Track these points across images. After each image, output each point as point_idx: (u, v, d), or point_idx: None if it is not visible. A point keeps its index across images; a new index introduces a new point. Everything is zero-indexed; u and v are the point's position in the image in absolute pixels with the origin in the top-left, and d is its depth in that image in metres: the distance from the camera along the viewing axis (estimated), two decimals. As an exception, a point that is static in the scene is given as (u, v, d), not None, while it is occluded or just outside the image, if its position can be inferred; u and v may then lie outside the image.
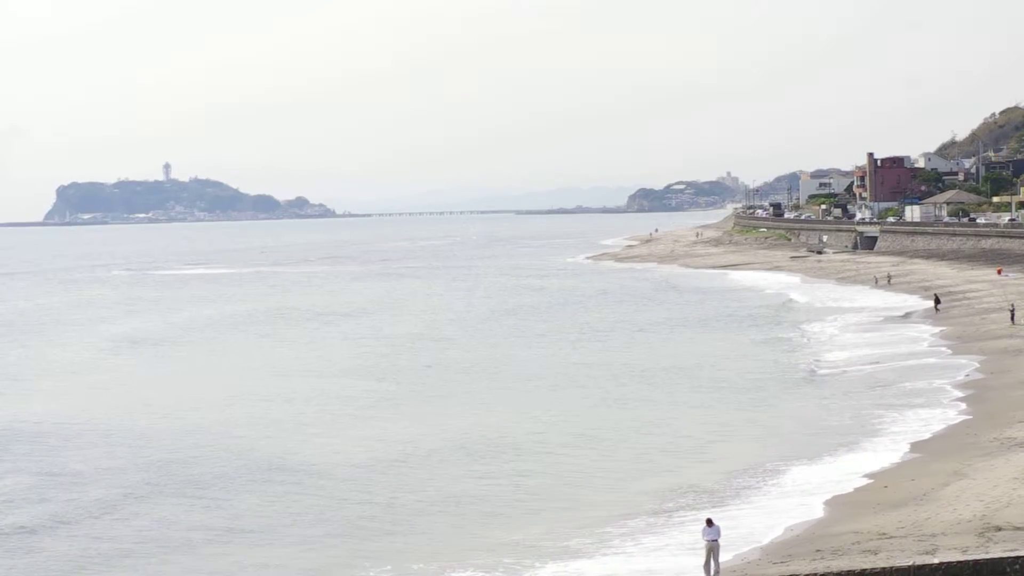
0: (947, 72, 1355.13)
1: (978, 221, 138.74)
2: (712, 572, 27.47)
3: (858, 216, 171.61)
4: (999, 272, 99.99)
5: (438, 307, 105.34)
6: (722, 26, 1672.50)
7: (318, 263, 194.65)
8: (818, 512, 33.34)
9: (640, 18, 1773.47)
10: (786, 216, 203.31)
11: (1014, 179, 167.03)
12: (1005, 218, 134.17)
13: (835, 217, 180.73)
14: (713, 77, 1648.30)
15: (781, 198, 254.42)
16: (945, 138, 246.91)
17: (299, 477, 40.49)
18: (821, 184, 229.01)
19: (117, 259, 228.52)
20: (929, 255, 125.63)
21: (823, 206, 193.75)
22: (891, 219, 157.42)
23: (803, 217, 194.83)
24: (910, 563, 25.28)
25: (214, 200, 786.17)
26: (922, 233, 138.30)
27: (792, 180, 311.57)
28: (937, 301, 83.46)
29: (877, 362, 61.69)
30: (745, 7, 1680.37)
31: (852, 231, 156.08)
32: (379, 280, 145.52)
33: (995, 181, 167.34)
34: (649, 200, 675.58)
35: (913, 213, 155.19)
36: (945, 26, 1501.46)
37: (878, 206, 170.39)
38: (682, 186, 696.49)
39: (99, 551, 32.74)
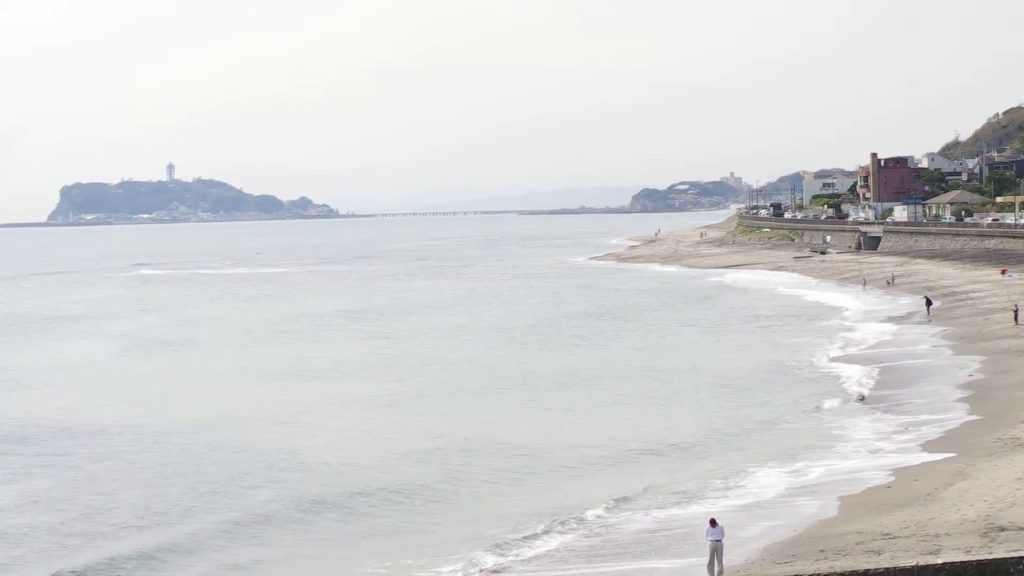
0: (947, 72, 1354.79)
1: (965, 220, 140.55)
2: (716, 572, 27.47)
3: (852, 216, 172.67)
4: (1003, 272, 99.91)
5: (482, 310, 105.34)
6: (722, 26, 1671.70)
7: (359, 262, 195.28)
8: (822, 512, 33.35)
9: (641, 18, 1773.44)
10: (786, 216, 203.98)
11: (1018, 179, 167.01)
12: (988, 219, 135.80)
13: (827, 217, 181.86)
14: (714, 77, 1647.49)
15: (785, 198, 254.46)
16: (948, 138, 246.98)
17: (309, 474, 40.63)
18: (825, 184, 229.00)
19: (143, 258, 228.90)
20: (932, 255, 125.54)
21: (823, 206, 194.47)
22: (884, 218, 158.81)
23: (799, 217, 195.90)
24: (914, 563, 25.28)
25: (217, 201, 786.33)
26: (925, 233, 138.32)
27: (795, 180, 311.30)
28: (928, 303, 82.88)
29: (880, 362, 61.68)
30: (745, 7, 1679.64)
31: (855, 231, 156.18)
32: (434, 279, 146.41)
33: (999, 181, 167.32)
34: (652, 200, 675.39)
35: (902, 213, 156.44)
36: (945, 26, 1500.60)
37: (881, 206, 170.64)
38: (685, 186, 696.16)
39: (110, 550, 32.82)
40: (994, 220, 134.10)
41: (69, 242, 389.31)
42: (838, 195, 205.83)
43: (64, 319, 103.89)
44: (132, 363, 73.28)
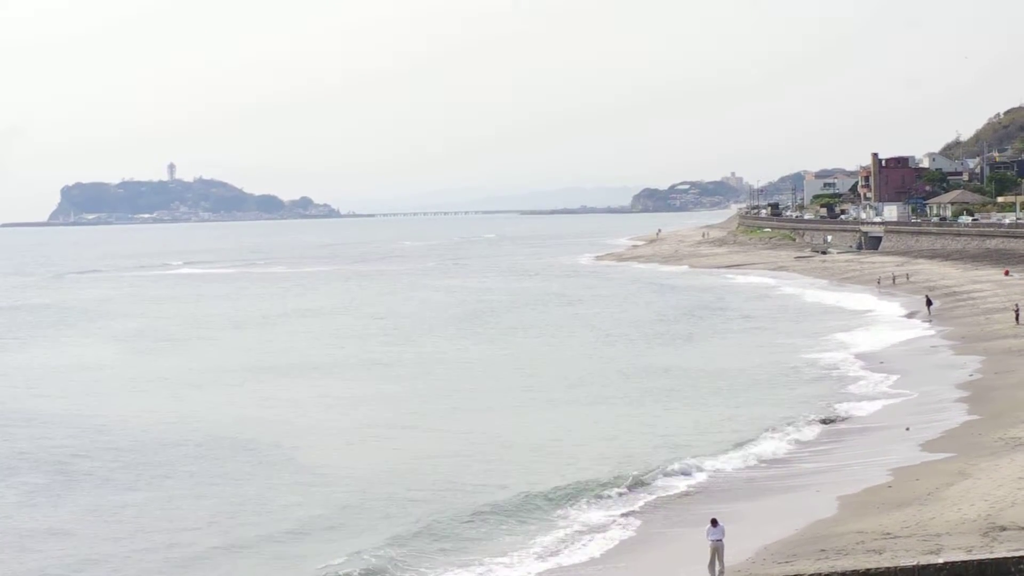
0: (947, 72, 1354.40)
1: (948, 220, 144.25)
2: (717, 572, 27.49)
3: (852, 215, 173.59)
4: (1006, 273, 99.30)
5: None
6: (722, 25, 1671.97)
7: (384, 262, 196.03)
8: (822, 512, 33.34)
9: (640, 18, 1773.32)
10: (784, 216, 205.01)
11: (1018, 179, 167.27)
12: (968, 219, 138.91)
13: (820, 217, 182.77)
14: (714, 77, 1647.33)
15: (786, 198, 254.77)
16: (949, 138, 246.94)
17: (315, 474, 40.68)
18: (826, 184, 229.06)
19: (172, 257, 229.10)
20: (933, 255, 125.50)
21: (818, 206, 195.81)
22: (876, 218, 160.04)
23: (794, 217, 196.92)
24: (914, 563, 25.33)
25: (218, 200, 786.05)
26: (926, 233, 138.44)
27: (797, 180, 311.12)
28: (929, 303, 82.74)
29: (882, 362, 61.71)
30: (745, 7, 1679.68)
31: (856, 231, 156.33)
32: (451, 278, 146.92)
33: (999, 181, 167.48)
34: (653, 200, 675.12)
35: (891, 213, 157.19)
36: (945, 26, 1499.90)
37: (883, 206, 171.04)
38: (686, 186, 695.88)
39: (117, 551, 32.81)
40: (974, 220, 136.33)
41: (81, 241, 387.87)
42: (839, 195, 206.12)
43: (149, 316, 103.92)
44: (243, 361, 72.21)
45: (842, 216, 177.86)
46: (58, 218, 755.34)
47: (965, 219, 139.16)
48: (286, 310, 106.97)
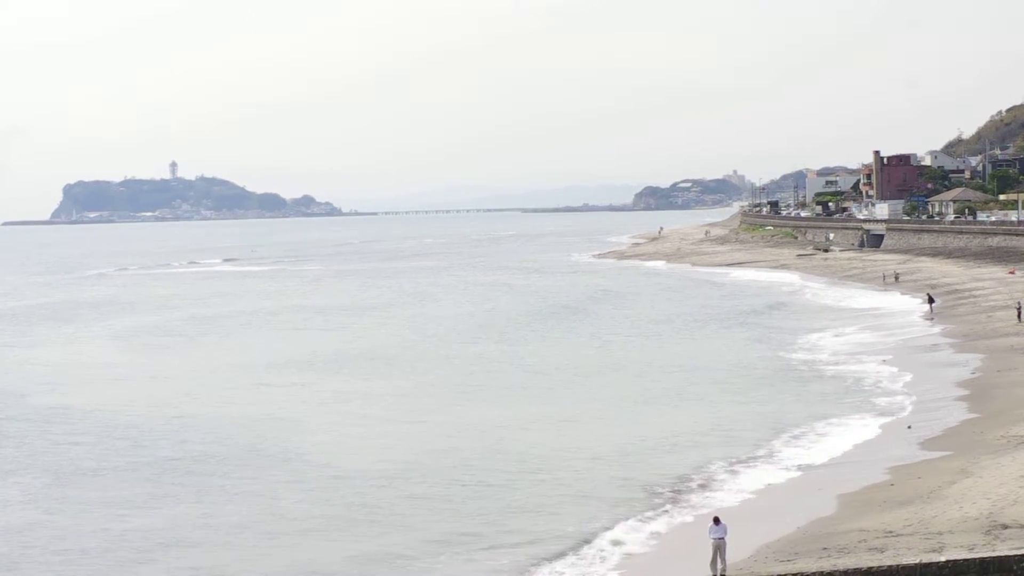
0: (948, 71, 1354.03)
1: (939, 218, 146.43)
2: (719, 570, 27.51)
3: (853, 214, 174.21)
4: (1011, 272, 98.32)
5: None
6: (722, 26, 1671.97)
7: (411, 259, 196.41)
8: (824, 510, 33.35)
9: (640, 18, 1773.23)
10: (783, 214, 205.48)
11: (1020, 176, 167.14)
12: (951, 216, 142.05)
13: (816, 214, 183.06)
14: (716, 76, 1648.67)
15: (788, 196, 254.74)
16: (951, 136, 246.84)
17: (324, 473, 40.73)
18: (828, 182, 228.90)
19: (207, 254, 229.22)
20: (935, 253, 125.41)
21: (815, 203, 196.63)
22: (865, 215, 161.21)
23: (792, 215, 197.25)
24: (917, 561, 25.35)
25: (220, 199, 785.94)
26: (928, 231, 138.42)
27: (799, 178, 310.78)
28: (930, 300, 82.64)
29: (884, 359, 61.69)
30: (745, 7, 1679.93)
31: (858, 229, 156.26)
32: (468, 273, 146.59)
33: (1001, 179, 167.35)
34: (656, 198, 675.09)
35: (883, 210, 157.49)
36: (945, 26, 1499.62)
37: (875, 204, 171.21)
38: (688, 184, 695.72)
39: (121, 550, 32.78)
40: (957, 217, 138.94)
41: (89, 239, 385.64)
42: (841, 193, 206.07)
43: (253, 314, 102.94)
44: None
45: (837, 215, 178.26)
46: (60, 216, 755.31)
47: (951, 216, 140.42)
48: (366, 304, 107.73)
